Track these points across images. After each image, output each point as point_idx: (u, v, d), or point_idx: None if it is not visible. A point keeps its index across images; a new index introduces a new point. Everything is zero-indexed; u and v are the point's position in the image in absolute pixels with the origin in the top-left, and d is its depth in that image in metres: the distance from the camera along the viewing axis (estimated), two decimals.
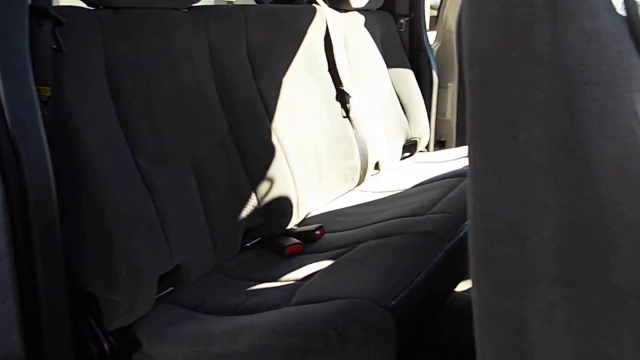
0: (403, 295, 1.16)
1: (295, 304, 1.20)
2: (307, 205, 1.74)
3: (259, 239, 1.60)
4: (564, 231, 0.51)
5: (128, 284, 1.17)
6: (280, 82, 1.75)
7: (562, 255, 0.52)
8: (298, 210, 1.67)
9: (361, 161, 1.99)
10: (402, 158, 2.35)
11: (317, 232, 1.59)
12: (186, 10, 1.51)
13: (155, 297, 1.25)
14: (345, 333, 1.01)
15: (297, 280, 1.36)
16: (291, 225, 1.66)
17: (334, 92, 1.97)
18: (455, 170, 2.00)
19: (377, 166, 2.15)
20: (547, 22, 0.50)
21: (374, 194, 1.96)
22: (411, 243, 1.36)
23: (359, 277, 1.24)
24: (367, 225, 1.59)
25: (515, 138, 0.52)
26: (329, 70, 1.99)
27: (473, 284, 0.58)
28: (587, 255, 0.51)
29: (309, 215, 1.78)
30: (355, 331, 1.01)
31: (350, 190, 1.99)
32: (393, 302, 1.13)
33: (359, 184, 2.02)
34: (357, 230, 1.58)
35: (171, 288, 1.33)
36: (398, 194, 1.89)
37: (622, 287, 0.51)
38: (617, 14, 0.54)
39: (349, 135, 1.96)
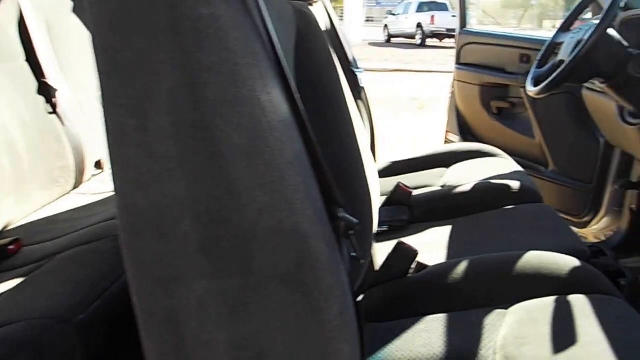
0: (95, 306, 1.05)
1: None
2: (4, 216, 1.49)
3: None
4: (202, 222, 0.50)
5: None
6: None
7: (204, 247, 0.51)
8: None
9: (76, 161, 1.79)
10: None
11: (12, 247, 1.37)
12: None
13: None
14: None
15: None
16: None
17: (34, 85, 1.74)
18: None
19: (100, 165, 1.97)
20: (164, 10, 0.49)
21: (92, 196, 1.78)
22: (112, 247, 1.24)
23: (47, 293, 1.09)
24: (74, 232, 1.43)
25: (145, 129, 0.50)
26: (28, 60, 1.74)
27: (130, 285, 0.54)
28: (228, 244, 0.51)
29: (9, 228, 1.53)
30: (24, 358, 0.88)
31: (65, 194, 1.78)
32: (81, 316, 1.01)
33: (75, 187, 1.82)
34: (61, 239, 1.40)
35: None
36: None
37: (263, 273, 0.52)
38: (234, 1, 0.54)
39: (58, 133, 1.75)
